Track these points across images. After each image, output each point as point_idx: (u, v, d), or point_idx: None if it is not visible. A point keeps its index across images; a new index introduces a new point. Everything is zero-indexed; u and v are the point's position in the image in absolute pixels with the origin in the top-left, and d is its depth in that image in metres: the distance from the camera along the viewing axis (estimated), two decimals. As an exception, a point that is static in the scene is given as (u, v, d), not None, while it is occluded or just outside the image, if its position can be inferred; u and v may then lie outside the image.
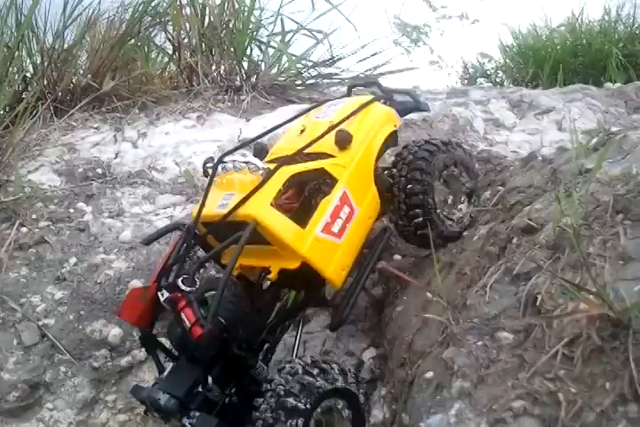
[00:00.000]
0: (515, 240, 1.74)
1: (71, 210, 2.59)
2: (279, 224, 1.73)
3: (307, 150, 1.88)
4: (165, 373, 1.75)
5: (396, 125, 2.10)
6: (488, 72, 6.65)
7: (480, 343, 1.49)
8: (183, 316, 1.57)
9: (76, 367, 2.16)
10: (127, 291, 2.19)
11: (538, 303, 1.44)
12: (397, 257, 2.33)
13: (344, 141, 1.90)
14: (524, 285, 1.53)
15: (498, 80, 6.43)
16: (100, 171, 2.84)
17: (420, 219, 1.98)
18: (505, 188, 2.13)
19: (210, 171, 1.82)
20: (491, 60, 6.65)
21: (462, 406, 1.36)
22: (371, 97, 2.10)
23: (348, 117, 1.97)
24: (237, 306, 1.69)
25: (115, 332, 2.20)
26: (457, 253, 1.97)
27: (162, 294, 1.66)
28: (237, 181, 1.79)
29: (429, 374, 1.59)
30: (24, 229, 2.48)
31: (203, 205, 1.74)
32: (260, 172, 1.75)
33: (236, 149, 1.95)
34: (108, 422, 2.13)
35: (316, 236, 1.78)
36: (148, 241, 1.93)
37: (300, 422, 1.57)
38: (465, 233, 2.06)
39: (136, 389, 1.84)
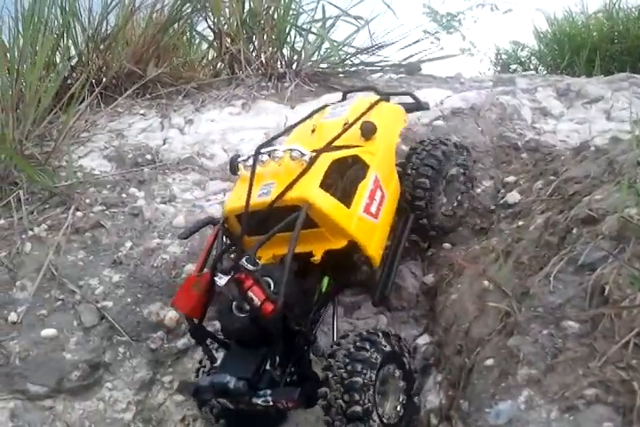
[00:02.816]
0: (575, 231, 1.76)
1: (124, 195, 2.64)
2: (330, 206, 1.83)
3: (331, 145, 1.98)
4: (220, 360, 1.82)
5: (404, 120, 2.30)
6: (522, 59, 6.59)
7: (545, 332, 1.52)
8: (251, 294, 1.62)
9: (134, 349, 2.22)
10: (183, 278, 2.26)
11: (605, 294, 1.46)
12: (447, 246, 2.35)
13: (370, 132, 2.03)
14: (589, 275, 1.55)
15: (532, 67, 6.38)
16: (149, 157, 2.88)
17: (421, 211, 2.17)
18: (559, 178, 2.14)
19: (241, 166, 1.95)
20: (524, 48, 6.59)
21: (531, 394, 1.40)
22: (377, 97, 2.27)
23: (364, 113, 2.12)
24: (293, 286, 1.76)
25: (171, 315, 2.24)
26: (513, 243, 1.99)
27: (219, 278, 1.70)
28: (270, 172, 1.89)
29: (490, 362, 1.63)
30: (79, 214, 2.53)
31: (249, 194, 1.81)
32: (305, 157, 1.85)
33: (269, 141, 2.09)
34: (165, 403, 2.19)
35: (359, 215, 1.89)
36: (186, 235, 2.03)
37: (373, 374, 1.65)
38: (520, 223, 2.08)
39: (185, 383, 1.92)
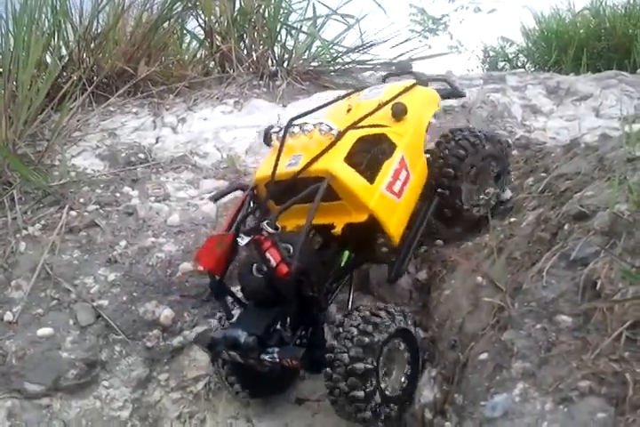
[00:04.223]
0: (566, 227, 1.78)
1: (117, 194, 2.64)
2: (352, 179, 1.88)
3: (361, 124, 2.00)
4: (236, 317, 1.89)
5: (438, 105, 2.30)
6: (509, 56, 6.63)
7: (539, 326, 1.54)
8: (268, 255, 1.69)
9: (130, 347, 2.23)
10: (178, 276, 2.28)
11: (598, 288, 1.48)
12: (440, 242, 2.37)
13: (401, 113, 2.06)
14: (581, 270, 1.57)
15: (519, 64, 6.42)
16: (142, 156, 2.89)
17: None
18: (550, 174, 2.17)
19: (274, 137, 2.02)
20: (512, 44, 6.63)
21: (526, 386, 1.42)
22: (414, 81, 2.26)
23: (398, 95, 2.13)
24: (310, 253, 1.84)
25: (166, 313, 2.26)
26: (505, 239, 2.01)
27: (241, 239, 1.78)
28: (301, 144, 1.95)
29: (484, 356, 1.65)
30: (73, 213, 2.54)
31: (276, 164, 1.87)
32: (333, 132, 1.90)
33: (303, 114, 2.08)
34: (162, 400, 2.21)
35: (381, 192, 1.93)
36: (216, 198, 2.18)
37: (376, 358, 1.70)
38: (512, 219, 2.10)
39: (204, 334, 1.97)
